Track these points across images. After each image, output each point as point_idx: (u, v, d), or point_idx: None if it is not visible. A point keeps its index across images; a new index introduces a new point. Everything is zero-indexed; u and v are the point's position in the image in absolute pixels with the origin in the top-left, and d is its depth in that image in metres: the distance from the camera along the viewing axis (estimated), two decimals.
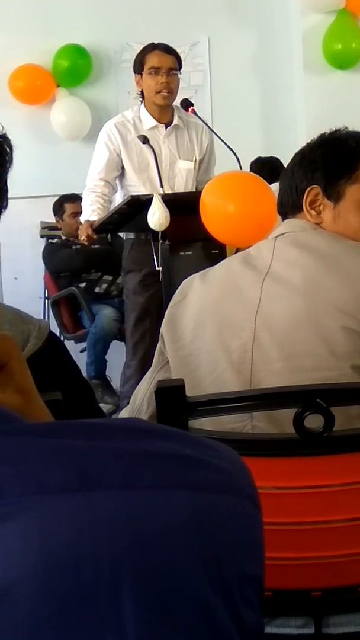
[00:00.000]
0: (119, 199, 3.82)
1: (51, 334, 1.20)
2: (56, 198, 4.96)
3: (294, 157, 1.59)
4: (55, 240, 5.01)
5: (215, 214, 2.97)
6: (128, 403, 1.62)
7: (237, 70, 5.24)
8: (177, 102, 3.83)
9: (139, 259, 3.67)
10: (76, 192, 4.34)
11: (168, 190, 3.64)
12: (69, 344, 4.42)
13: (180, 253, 3.35)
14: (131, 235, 3.77)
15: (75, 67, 5.15)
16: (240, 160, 3.53)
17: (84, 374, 1.54)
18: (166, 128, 3.79)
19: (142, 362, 3.60)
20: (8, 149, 0.56)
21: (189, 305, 1.50)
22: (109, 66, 5.26)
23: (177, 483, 0.50)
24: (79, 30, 5.12)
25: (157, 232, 3.27)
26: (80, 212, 3.91)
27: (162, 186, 3.62)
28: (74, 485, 0.47)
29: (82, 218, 3.82)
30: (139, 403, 1.56)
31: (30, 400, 0.64)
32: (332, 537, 1.25)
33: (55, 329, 4.23)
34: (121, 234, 4.12)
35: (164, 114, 3.77)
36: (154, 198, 3.20)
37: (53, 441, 0.50)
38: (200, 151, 3.86)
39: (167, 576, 0.47)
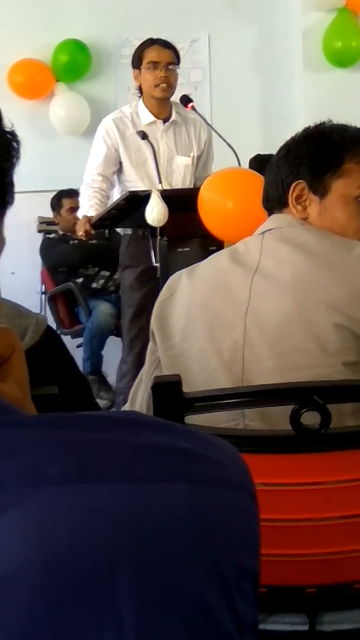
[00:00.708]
0: (116, 195, 3.81)
1: (49, 328, 1.20)
2: (54, 193, 4.96)
3: (279, 151, 1.58)
4: (52, 236, 5.00)
5: (213, 211, 2.97)
6: (124, 399, 1.62)
7: (237, 67, 5.24)
8: (176, 99, 3.83)
9: (136, 255, 3.66)
10: (74, 188, 4.33)
11: (166, 186, 3.63)
12: (66, 339, 4.41)
13: (178, 249, 3.35)
14: (128, 231, 3.76)
15: (75, 62, 5.14)
16: (239, 157, 3.53)
17: (80, 369, 1.53)
18: (164, 124, 3.78)
19: (138, 358, 3.60)
20: (15, 145, 0.56)
21: (177, 302, 1.49)
22: (109, 61, 5.25)
23: (175, 476, 0.50)
24: (79, 25, 5.10)
25: (155, 228, 3.26)
26: (78, 208, 3.91)
27: (160, 182, 3.62)
28: (73, 477, 0.47)
29: (80, 213, 3.81)
30: (139, 407, 1.55)
31: (27, 393, 0.64)
32: (328, 534, 1.25)
33: (52, 324, 4.22)
34: (118, 230, 4.12)
35: (162, 110, 3.77)
36: (152, 194, 3.20)
37: (52, 433, 0.50)
38: (198, 147, 3.86)
39: (164, 568, 0.47)
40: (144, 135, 3.63)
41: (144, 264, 3.57)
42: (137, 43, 3.84)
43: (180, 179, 3.80)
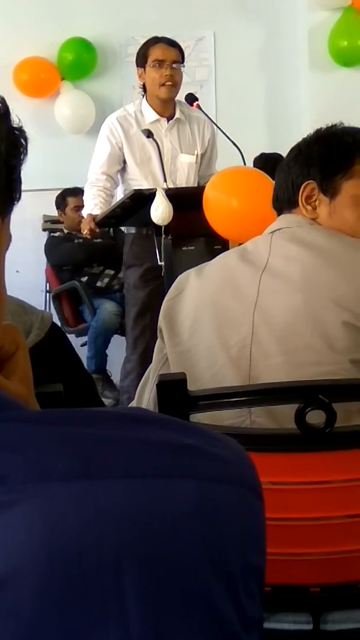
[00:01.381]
0: (120, 193, 3.81)
1: (53, 325, 1.20)
2: (59, 192, 4.96)
3: (290, 152, 1.59)
4: (57, 234, 5.01)
5: (218, 209, 2.97)
6: (128, 398, 1.62)
7: (242, 65, 5.23)
8: (181, 97, 3.82)
9: (140, 254, 3.66)
10: (79, 186, 4.33)
11: (170, 185, 3.63)
12: (70, 338, 4.41)
13: (183, 248, 3.35)
14: (132, 230, 3.76)
15: (80, 61, 5.14)
16: (244, 156, 3.53)
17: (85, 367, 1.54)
18: (168, 122, 3.78)
19: (142, 356, 3.60)
20: (23, 142, 0.57)
21: (185, 300, 1.50)
22: (114, 60, 5.25)
23: (181, 472, 0.50)
24: (85, 23, 5.10)
25: (160, 227, 3.26)
26: (83, 206, 3.91)
27: (165, 180, 3.62)
28: (79, 473, 0.47)
29: (84, 212, 3.81)
30: (145, 404, 1.56)
31: (31, 390, 0.64)
32: (332, 533, 1.25)
33: (56, 322, 4.23)
34: (122, 228, 4.12)
35: (166, 108, 3.77)
36: (157, 192, 3.20)
37: (58, 429, 0.50)
38: (202, 145, 3.85)
39: (170, 565, 0.47)
40: (149, 134, 3.63)
41: (147, 262, 3.56)
42: (143, 41, 3.84)
43: (184, 177, 3.80)
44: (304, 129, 1.60)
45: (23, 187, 0.59)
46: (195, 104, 3.79)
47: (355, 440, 1.21)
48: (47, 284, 5.02)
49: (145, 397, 1.56)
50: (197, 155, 3.82)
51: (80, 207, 4.31)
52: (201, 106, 3.81)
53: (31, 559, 0.45)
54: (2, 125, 0.55)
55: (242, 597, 0.50)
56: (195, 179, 3.84)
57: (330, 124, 1.57)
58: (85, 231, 3.67)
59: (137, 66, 3.76)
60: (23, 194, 0.59)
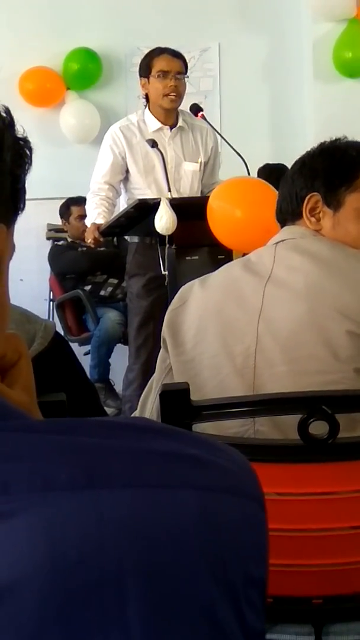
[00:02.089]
0: (123, 202, 3.82)
1: (57, 334, 1.20)
2: (63, 201, 4.97)
3: (294, 164, 1.61)
4: (61, 243, 5.01)
5: (222, 219, 2.97)
6: (130, 407, 1.62)
7: (247, 76, 5.25)
8: (186, 107, 3.83)
9: (143, 263, 3.66)
10: (83, 195, 4.34)
11: (174, 193, 3.64)
12: (73, 347, 4.41)
13: (187, 258, 3.35)
14: (135, 239, 3.77)
15: (86, 71, 5.16)
16: (248, 166, 3.53)
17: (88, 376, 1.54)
18: (171, 130, 3.79)
19: (144, 365, 3.60)
20: (28, 152, 0.57)
21: (189, 310, 1.50)
22: (119, 70, 5.27)
23: (184, 482, 0.50)
24: (90, 33, 5.13)
25: (164, 236, 3.26)
26: (86, 216, 3.92)
27: (169, 189, 3.62)
28: (82, 482, 0.47)
29: (87, 221, 3.82)
30: (149, 414, 1.56)
31: (34, 399, 0.64)
32: (335, 544, 1.25)
33: (59, 331, 4.23)
34: (126, 237, 4.13)
35: (169, 118, 3.78)
36: (161, 202, 3.20)
37: (61, 438, 0.50)
38: (205, 153, 3.86)
39: (172, 575, 0.47)
40: (153, 143, 3.63)
41: (151, 272, 3.56)
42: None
43: (188, 185, 3.81)
44: (309, 140, 1.61)
45: (27, 195, 0.59)
46: (200, 114, 3.80)
47: (359, 451, 1.21)
48: (51, 293, 5.03)
49: (148, 407, 1.56)
50: (200, 163, 3.83)
51: (84, 216, 4.31)
52: (206, 116, 3.82)
53: (33, 569, 0.45)
54: (7, 135, 0.55)
55: (244, 608, 0.50)
56: (199, 187, 3.84)
57: (334, 138, 1.58)
58: (89, 240, 3.67)
59: (141, 76, 3.77)
60: (27, 203, 0.60)
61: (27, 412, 0.57)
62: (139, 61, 3.84)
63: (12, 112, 0.58)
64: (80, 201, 4.67)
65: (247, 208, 2.93)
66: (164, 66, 3.67)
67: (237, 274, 1.50)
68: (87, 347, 4.67)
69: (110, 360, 4.63)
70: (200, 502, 0.49)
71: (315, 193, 1.53)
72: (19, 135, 0.57)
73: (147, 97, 3.77)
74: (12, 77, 5.09)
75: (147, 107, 3.79)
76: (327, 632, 1.27)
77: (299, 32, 5.14)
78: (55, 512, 0.46)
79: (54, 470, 0.47)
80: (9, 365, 0.63)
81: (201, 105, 3.87)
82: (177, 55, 3.71)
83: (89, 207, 3.82)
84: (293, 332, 1.38)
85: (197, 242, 3.30)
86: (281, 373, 1.37)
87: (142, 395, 1.61)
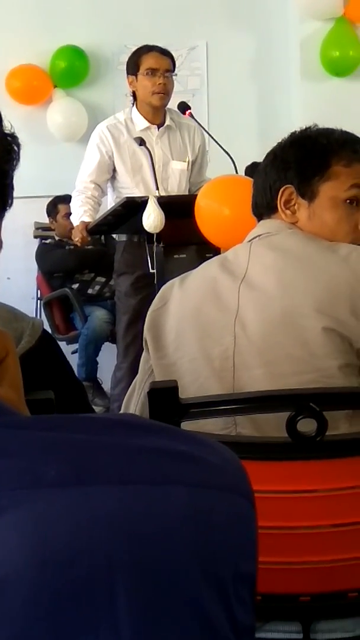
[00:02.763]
0: (110, 201, 3.81)
1: (44, 332, 1.20)
2: (50, 199, 4.96)
3: (266, 157, 1.58)
4: (48, 241, 5.00)
5: (210, 218, 2.97)
6: (118, 406, 1.61)
7: (234, 75, 5.25)
8: (173, 106, 3.83)
9: (131, 262, 3.66)
10: (70, 194, 4.34)
11: (162, 192, 3.63)
12: (61, 345, 4.41)
13: (175, 256, 3.35)
14: (123, 237, 3.76)
15: (73, 68, 5.15)
16: (236, 164, 3.54)
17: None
18: (158, 129, 3.78)
19: (133, 364, 3.59)
20: (16, 148, 0.57)
21: (170, 312, 1.49)
22: (107, 68, 5.26)
23: (173, 479, 0.50)
24: (77, 31, 5.11)
25: (152, 235, 3.26)
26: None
27: (157, 188, 3.62)
28: (71, 479, 0.47)
29: (73, 219, 3.81)
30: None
31: (21, 396, 0.64)
32: (323, 542, 1.25)
33: (47, 329, 4.22)
34: (114, 236, 4.12)
35: (157, 116, 3.77)
36: (149, 200, 3.20)
37: (51, 435, 0.50)
38: (193, 152, 3.86)
39: (162, 572, 0.47)
40: (141, 142, 3.63)
41: (139, 270, 3.56)
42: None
43: (175, 184, 3.81)
44: None
45: (15, 194, 0.59)
46: (187, 112, 3.80)
47: (346, 448, 1.21)
48: (38, 291, 5.01)
49: (131, 408, 1.55)
50: (188, 161, 3.83)
51: (71, 214, 4.31)
52: (193, 115, 3.81)
53: (23, 565, 0.45)
54: None
55: (234, 604, 0.50)
56: (186, 186, 3.84)
57: (304, 127, 1.55)
58: (77, 239, 3.66)
59: (128, 74, 3.76)
60: (15, 201, 0.59)
61: (15, 410, 0.57)
62: (127, 59, 3.83)
63: None
64: (68, 199, 4.65)
65: (235, 206, 2.93)
66: (153, 64, 3.66)
67: (214, 273, 1.48)
68: (75, 346, 4.67)
69: (97, 358, 4.62)
70: (190, 498, 0.49)
71: (288, 185, 1.50)
72: (7, 131, 0.57)
73: (134, 95, 3.77)
74: None
75: (134, 105, 3.78)
76: (315, 629, 1.27)
77: (287, 31, 5.15)
78: (44, 508, 0.46)
79: (44, 467, 0.47)
80: None
81: (188, 104, 3.87)
82: (165, 53, 3.71)
83: (74, 205, 3.81)
84: (268, 334, 1.36)
85: (185, 240, 3.30)
86: (258, 376, 1.36)
87: (126, 397, 1.59)
